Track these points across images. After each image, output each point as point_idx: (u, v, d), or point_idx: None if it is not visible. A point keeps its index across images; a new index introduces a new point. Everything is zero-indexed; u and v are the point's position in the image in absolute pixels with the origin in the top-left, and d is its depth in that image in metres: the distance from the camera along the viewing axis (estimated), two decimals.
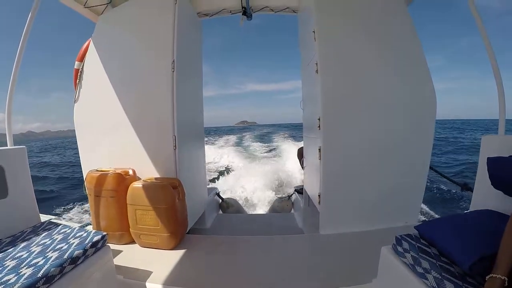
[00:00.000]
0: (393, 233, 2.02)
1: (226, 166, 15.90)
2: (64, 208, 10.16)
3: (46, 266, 1.71)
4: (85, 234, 2.25)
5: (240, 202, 6.68)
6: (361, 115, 3.57)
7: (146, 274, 2.64)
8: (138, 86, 3.66)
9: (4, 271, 1.67)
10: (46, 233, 2.34)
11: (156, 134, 3.58)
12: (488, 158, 2.03)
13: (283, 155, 17.79)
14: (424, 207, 8.03)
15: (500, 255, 1.31)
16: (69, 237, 2.21)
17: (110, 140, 3.76)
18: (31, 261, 1.79)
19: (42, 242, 2.14)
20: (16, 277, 1.58)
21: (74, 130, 3.94)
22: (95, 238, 2.18)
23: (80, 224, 3.76)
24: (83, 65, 3.92)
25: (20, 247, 2.06)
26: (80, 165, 3.96)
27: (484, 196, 2.26)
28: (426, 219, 4.65)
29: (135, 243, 3.35)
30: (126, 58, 3.74)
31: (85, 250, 2.03)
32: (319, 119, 3.50)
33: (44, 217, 3.05)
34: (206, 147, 5.38)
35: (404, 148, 3.63)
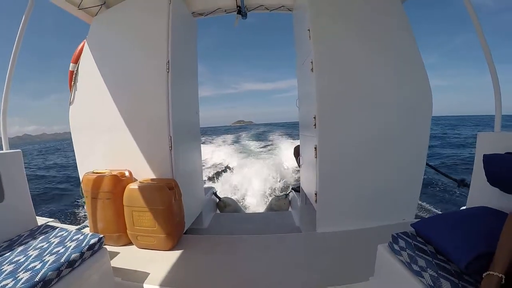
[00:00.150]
0: (391, 231, 2.03)
1: (223, 165, 15.86)
2: (62, 210, 10.14)
3: (43, 270, 1.71)
4: (81, 237, 2.25)
5: (237, 201, 6.68)
6: (357, 113, 3.58)
7: (144, 276, 2.64)
8: (133, 87, 3.66)
9: (2, 276, 1.67)
10: (43, 236, 2.34)
11: (152, 135, 3.58)
12: (484, 155, 2.04)
13: (280, 154, 17.78)
14: (424, 203, 8.06)
15: (498, 252, 1.32)
16: (66, 240, 2.21)
17: (106, 142, 3.76)
18: (28, 265, 1.79)
19: (39, 246, 2.14)
20: (13, 282, 1.58)
21: (69, 133, 3.93)
22: (92, 241, 2.19)
23: (77, 227, 3.75)
24: (78, 67, 3.90)
25: (17, 251, 2.06)
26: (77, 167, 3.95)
27: (481, 192, 2.27)
28: (424, 216, 4.66)
29: (133, 245, 3.36)
30: (121, 59, 3.74)
31: (82, 253, 2.03)
32: (314, 118, 3.50)
33: (41, 220, 3.05)
34: (203, 146, 5.38)
35: (400, 145, 3.64)
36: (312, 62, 3.53)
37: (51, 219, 3.94)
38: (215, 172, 14.12)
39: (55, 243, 2.18)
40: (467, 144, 25.13)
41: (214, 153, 19.97)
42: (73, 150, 3.98)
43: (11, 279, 1.61)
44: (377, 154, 3.61)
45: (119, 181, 3.35)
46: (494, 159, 1.97)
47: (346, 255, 3.00)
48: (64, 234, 2.34)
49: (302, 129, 4.54)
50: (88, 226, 3.57)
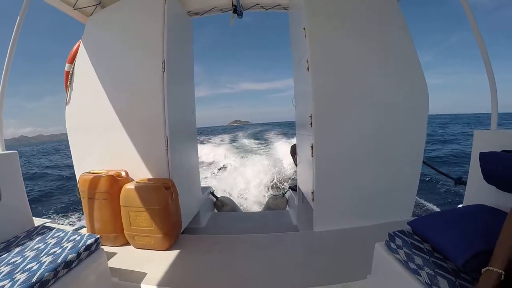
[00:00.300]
0: (388, 229, 2.03)
1: (220, 165, 15.87)
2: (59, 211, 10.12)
3: (40, 271, 1.71)
4: (78, 238, 2.25)
5: (235, 200, 6.69)
6: (353, 112, 3.58)
7: (141, 276, 2.64)
8: (129, 87, 3.65)
9: None
10: (39, 237, 2.34)
11: (148, 134, 3.57)
12: (480, 153, 2.05)
13: (277, 153, 17.82)
14: (422, 201, 8.10)
15: (498, 249, 1.30)
16: (62, 241, 2.21)
17: (102, 142, 3.76)
18: (25, 266, 1.79)
19: (36, 246, 2.14)
20: (10, 283, 1.58)
21: (66, 134, 3.93)
22: (89, 241, 2.19)
23: (74, 228, 3.75)
24: (73, 67, 3.90)
25: (14, 252, 2.06)
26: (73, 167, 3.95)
27: (477, 190, 2.27)
28: (421, 214, 4.69)
29: (130, 245, 3.35)
30: (116, 59, 3.73)
31: (78, 254, 2.03)
32: (310, 116, 3.50)
33: (38, 221, 3.05)
34: (200, 146, 5.37)
35: (397, 144, 3.65)
36: (308, 61, 3.52)
37: (48, 220, 3.94)
38: (212, 171, 14.13)
39: (52, 244, 2.17)
40: (450, 141, 25.67)
41: (211, 153, 19.99)
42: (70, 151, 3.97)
43: (8, 280, 1.61)
44: (374, 152, 3.61)
45: (116, 181, 3.35)
46: (490, 157, 1.98)
47: (343, 253, 3.00)
48: (61, 235, 2.34)
49: (298, 128, 4.54)
50: (85, 227, 3.57)
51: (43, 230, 2.50)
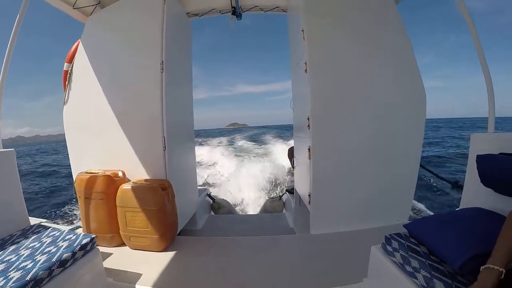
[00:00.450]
0: (384, 232, 2.03)
1: (217, 167, 15.84)
2: (55, 210, 10.07)
3: (34, 270, 1.70)
4: (74, 237, 2.24)
5: (232, 202, 6.68)
6: (351, 114, 3.59)
7: (136, 277, 2.63)
8: (127, 87, 3.65)
9: None
10: (35, 236, 2.32)
11: (146, 135, 3.57)
12: (477, 155, 2.06)
13: (274, 156, 17.80)
14: (418, 205, 8.11)
15: (498, 246, 1.29)
16: (58, 240, 2.19)
17: (99, 142, 3.74)
18: (19, 264, 1.78)
19: (31, 245, 2.13)
20: (4, 281, 1.58)
21: (63, 134, 3.92)
22: (84, 241, 2.18)
23: (70, 227, 3.73)
24: (72, 66, 3.89)
25: (9, 250, 2.05)
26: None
27: (474, 194, 2.28)
28: (418, 217, 4.70)
29: (125, 246, 3.34)
30: (115, 59, 3.73)
31: (73, 253, 2.02)
32: (308, 119, 3.51)
33: (34, 221, 3.03)
34: (197, 148, 5.37)
35: (394, 147, 3.66)
36: (306, 63, 3.54)
37: (44, 220, 3.92)
38: (209, 173, 14.09)
39: (47, 242, 2.16)
40: (435, 143, 26.17)
41: (208, 155, 19.96)
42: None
43: (1, 278, 1.60)
44: (371, 155, 3.62)
45: (112, 182, 3.34)
46: (487, 160, 1.98)
47: (339, 256, 3.00)
48: (56, 234, 2.33)
49: (296, 131, 4.55)
50: (81, 227, 3.55)
51: (39, 229, 2.49)
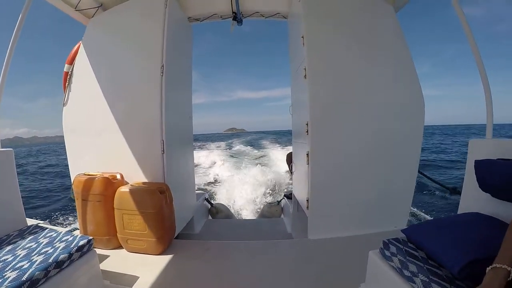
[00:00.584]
0: (382, 238, 2.02)
1: (215, 171, 15.83)
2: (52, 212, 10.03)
3: (30, 270, 1.69)
4: (71, 238, 2.23)
5: (229, 207, 6.66)
6: (349, 120, 3.61)
7: (133, 279, 2.63)
8: (127, 90, 3.66)
9: None
10: (32, 236, 2.31)
11: (145, 138, 3.57)
12: (475, 160, 2.06)
13: (272, 161, 17.82)
14: (416, 211, 8.11)
15: (506, 244, 1.23)
16: (55, 241, 2.19)
17: (98, 144, 3.74)
18: (16, 264, 1.77)
19: (27, 245, 2.12)
20: (0, 280, 1.57)
21: (61, 136, 3.92)
22: (81, 242, 2.17)
23: (67, 229, 3.72)
24: (72, 68, 3.90)
25: (6, 250, 2.04)
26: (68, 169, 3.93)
27: (472, 199, 2.28)
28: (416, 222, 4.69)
29: (122, 248, 3.33)
30: (115, 61, 3.74)
31: (70, 254, 2.01)
32: (307, 124, 3.52)
33: (31, 222, 3.02)
34: (195, 152, 5.37)
35: (393, 153, 3.68)
36: (305, 69, 3.56)
37: (41, 221, 3.91)
38: (207, 178, 14.09)
39: (44, 243, 2.15)
40: (424, 148, 26.32)
41: (206, 159, 19.97)
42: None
43: None
44: (369, 161, 3.63)
45: (110, 184, 3.34)
46: (485, 165, 1.98)
47: (337, 262, 3.00)
48: (54, 235, 2.32)
49: (294, 136, 4.55)
50: (78, 229, 3.54)
51: (36, 229, 2.48)
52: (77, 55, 3.88)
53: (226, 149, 29.83)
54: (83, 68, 3.83)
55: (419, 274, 1.53)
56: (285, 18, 4.79)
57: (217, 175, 14.74)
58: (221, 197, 9.70)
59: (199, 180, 12.86)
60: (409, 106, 3.68)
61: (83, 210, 3.34)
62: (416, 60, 3.68)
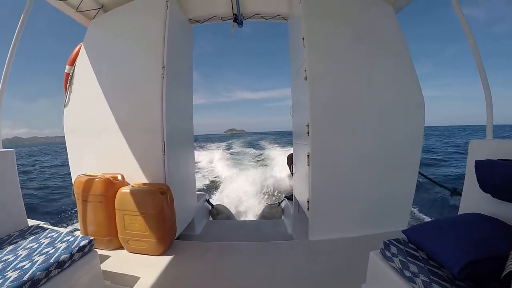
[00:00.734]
0: (383, 239, 2.02)
1: (215, 172, 15.81)
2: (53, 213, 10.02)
3: (32, 270, 1.69)
4: (72, 239, 2.24)
5: (230, 208, 6.65)
6: (350, 121, 3.62)
7: (134, 280, 2.63)
8: (128, 91, 3.67)
9: None
10: (33, 237, 2.32)
11: (145, 139, 3.58)
12: (476, 161, 2.06)
13: (272, 162, 17.77)
14: (417, 212, 8.10)
15: None
16: (56, 241, 2.19)
17: (99, 145, 3.75)
18: (17, 264, 1.78)
19: (29, 246, 2.12)
20: (1, 280, 1.57)
21: (61, 136, 3.92)
22: (82, 243, 2.17)
23: (68, 229, 3.72)
24: (73, 69, 3.91)
25: (7, 250, 2.04)
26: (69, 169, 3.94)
27: (473, 199, 2.28)
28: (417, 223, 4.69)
29: (123, 249, 3.33)
30: (116, 63, 3.75)
31: (71, 255, 2.01)
32: (307, 126, 3.52)
33: (32, 222, 3.03)
34: (196, 153, 5.37)
35: (393, 154, 3.67)
36: (306, 71, 3.56)
37: (42, 222, 3.91)
38: (208, 179, 14.07)
39: (45, 243, 2.16)
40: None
41: (206, 160, 19.96)
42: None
43: None
44: (370, 162, 3.63)
45: (111, 185, 3.34)
46: (486, 165, 1.99)
47: (338, 263, 3.00)
48: (55, 235, 2.32)
49: (295, 137, 4.56)
50: (79, 229, 3.54)
51: (37, 230, 2.48)
52: (78, 56, 3.89)
53: (226, 150, 29.81)
54: (84, 69, 3.84)
55: (420, 275, 1.53)
56: (286, 19, 4.80)
57: (217, 176, 14.73)
58: (222, 198, 9.68)
59: (199, 181, 12.84)
60: (409, 107, 3.68)
61: (84, 211, 3.35)
62: (415, 60, 3.69)
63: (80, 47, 3.90)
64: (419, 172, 3.87)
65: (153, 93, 3.52)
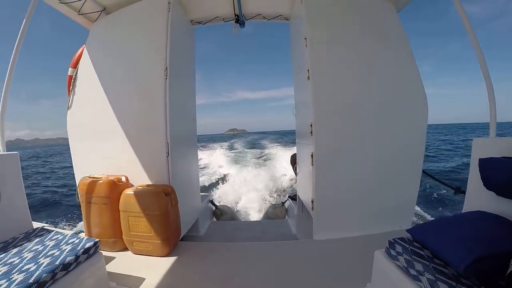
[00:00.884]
0: (387, 238, 2.02)
1: (219, 173, 15.82)
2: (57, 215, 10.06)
3: (37, 272, 1.70)
4: (77, 241, 2.24)
5: (234, 209, 6.66)
6: (353, 121, 3.61)
7: (139, 281, 2.63)
8: (131, 93, 3.68)
9: None
10: (38, 239, 2.33)
11: (149, 141, 3.58)
12: (479, 159, 2.06)
13: (276, 162, 17.77)
14: (421, 211, 8.08)
15: None
16: (61, 244, 2.20)
17: (103, 147, 3.76)
18: (22, 267, 1.79)
19: (34, 248, 2.13)
20: (7, 283, 1.58)
21: (63, 138, 3.94)
22: (87, 245, 2.18)
23: (73, 231, 3.73)
24: (76, 71, 3.93)
25: (12, 253, 2.05)
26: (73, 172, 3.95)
27: (477, 197, 2.28)
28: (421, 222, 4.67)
29: (128, 250, 3.34)
30: (119, 65, 3.77)
31: (77, 257, 2.02)
32: (311, 125, 3.52)
33: (36, 225, 3.04)
34: (199, 154, 5.37)
35: (396, 153, 3.67)
36: (308, 71, 3.56)
37: (47, 224, 3.93)
38: (211, 180, 14.08)
39: (50, 246, 2.17)
40: None
41: (209, 161, 19.97)
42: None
43: (5, 280, 1.61)
44: (374, 161, 3.63)
45: (116, 186, 3.35)
46: (489, 163, 1.98)
47: (342, 262, 2.99)
48: (60, 238, 2.33)
49: (298, 137, 4.55)
50: (83, 231, 3.55)
51: (42, 232, 2.49)
52: (81, 59, 3.91)
53: (228, 150, 29.84)
54: (87, 72, 3.86)
55: (425, 273, 1.53)
56: (287, 20, 4.80)
57: (220, 176, 14.74)
58: (225, 199, 9.69)
59: (202, 181, 12.85)
60: (412, 105, 3.68)
61: (88, 213, 3.36)
62: (417, 58, 3.68)
63: (83, 49, 3.91)
64: (423, 171, 3.86)
65: (156, 94, 3.53)
